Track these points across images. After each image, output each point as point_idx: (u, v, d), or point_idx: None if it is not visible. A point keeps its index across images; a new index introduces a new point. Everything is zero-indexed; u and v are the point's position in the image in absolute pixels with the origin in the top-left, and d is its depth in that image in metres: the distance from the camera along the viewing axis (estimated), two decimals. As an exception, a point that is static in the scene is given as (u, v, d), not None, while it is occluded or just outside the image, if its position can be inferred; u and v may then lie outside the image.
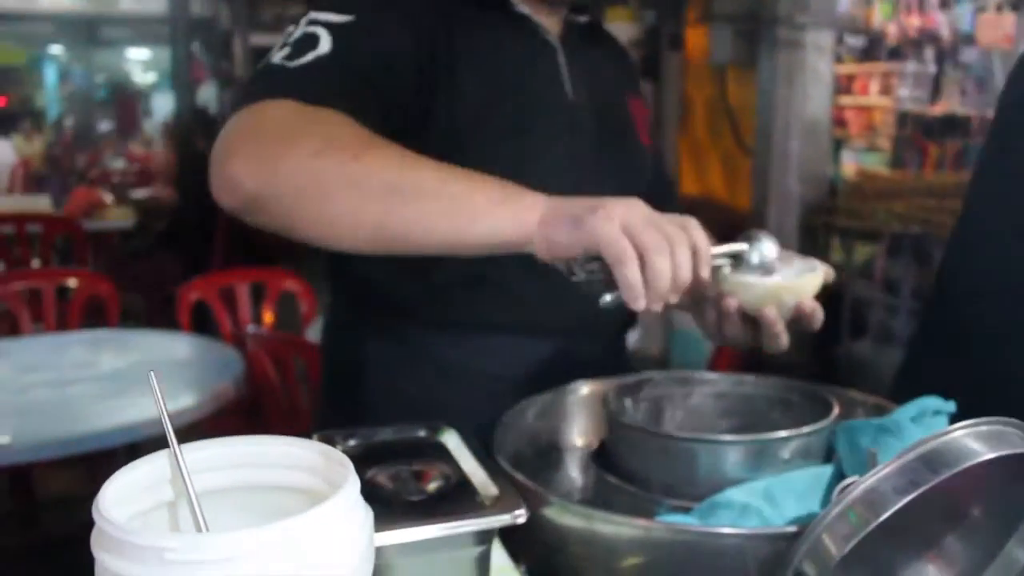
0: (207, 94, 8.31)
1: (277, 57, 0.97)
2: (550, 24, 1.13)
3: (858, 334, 4.33)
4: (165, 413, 0.49)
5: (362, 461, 0.71)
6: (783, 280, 0.91)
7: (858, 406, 0.99)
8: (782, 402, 0.97)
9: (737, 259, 0.91)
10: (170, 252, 5.26)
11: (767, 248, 0.90)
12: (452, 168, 0.87)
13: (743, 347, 0.99)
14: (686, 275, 0.80)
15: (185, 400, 2.25)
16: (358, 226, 0.86)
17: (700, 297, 0.96)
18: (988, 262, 1.11)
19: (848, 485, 0.70)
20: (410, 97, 0.99)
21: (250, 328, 2.66)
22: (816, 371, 4.29)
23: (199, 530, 0.49)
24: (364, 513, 0.47)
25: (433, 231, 0.85)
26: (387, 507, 0.62)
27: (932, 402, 0.86)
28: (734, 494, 0.77)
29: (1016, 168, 1.06)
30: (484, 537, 0.60)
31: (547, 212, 0.83)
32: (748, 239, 0.91)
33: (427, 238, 0.85)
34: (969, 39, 6.04)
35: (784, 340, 0.95)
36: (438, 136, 1.00)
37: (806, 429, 0.82)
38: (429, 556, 0.60)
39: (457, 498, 0.62)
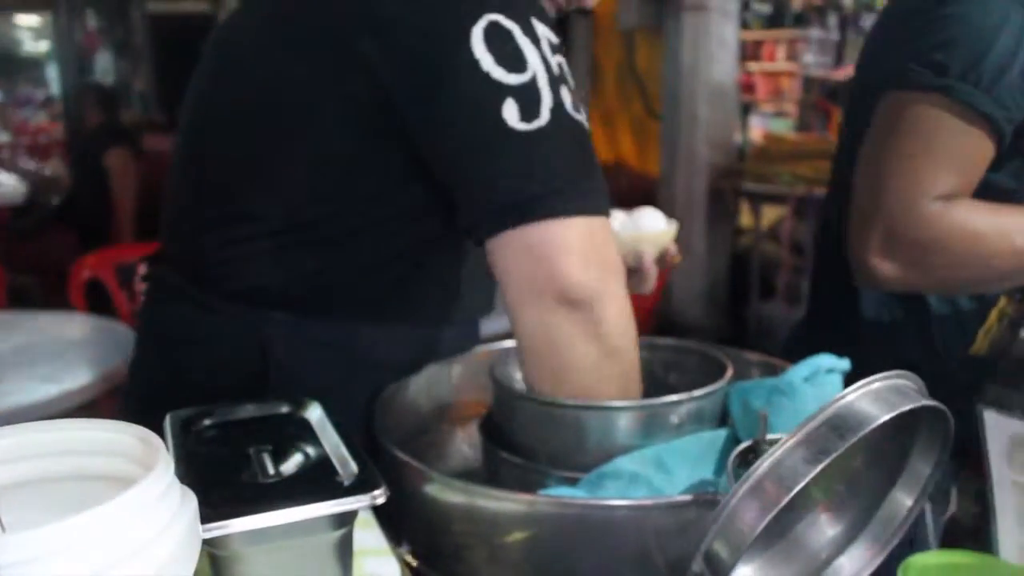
0: (103, 63, 7.94)
1: None
2: None
3: (767, 295, 4.39)
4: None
5: (218, 441, 0.65)
6: (642, 231, 1.08)
7: (754, 366, 0.96)
8: (678, 365, 0.94)
9: None
10: (65, 229, 5.01)
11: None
12: None
13: None
14: None
15: (72, 381, 2.13)
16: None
17: None
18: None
19: (742, 451, 0.67)
20: None
21: (142, 305, 2.53)
22: (726, 332, 4.35)
23: (-5, 531, 0.43)
24: (180, 499, 0.41)
25: None
26: (237, 491, 0.56)
27: (825, 360, 0.84)
28: (623, 463, 0.74)
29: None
30: (343, 520, 0.55)
31: None
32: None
33: None
34: (870, 7, 6.19)
35: (651, 284, 1.09)
36: None
37: (697, 392, 0.78)
38: (283, 543, 0.54)
39: (314, 479, 0.57)
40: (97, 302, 3.11)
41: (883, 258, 1.02)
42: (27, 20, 10.40)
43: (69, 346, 2.46)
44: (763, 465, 0.58)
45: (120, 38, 8.02)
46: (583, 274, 0.77)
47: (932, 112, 0.99)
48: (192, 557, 0.42)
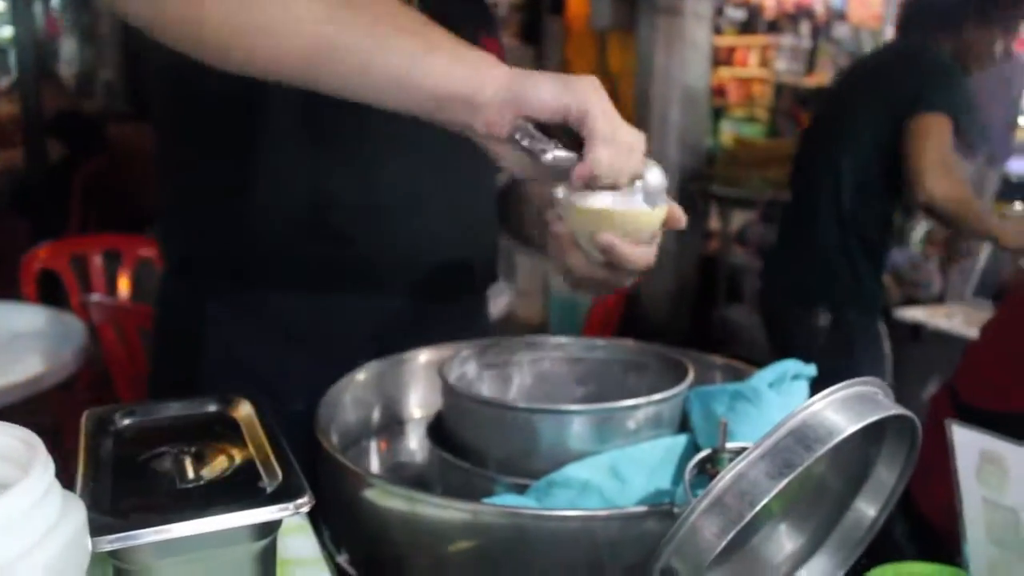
0: (67, 51, 7.79)
1: None
2: None
3: (733, 299, 4.38)
4: None
5: (137, 442, 0.60)
6: (616, 205, 0.70)
7: (717, 370, 0.93)
8: (637, 367, 0.90)
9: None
10: (21, 218, 4.89)
11: (653, 177, 0.71)
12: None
13: (593, 289, 0.81)
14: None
15: (18, 373, 2.06)
16: (295, 38, 0.68)
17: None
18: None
19: (701, 460, 0.63)
20: None
21: (93, 297, 2.47)
22: (692, 336, 4.33)
23: None
24: (60, 507, 0.36)
25: (385, 64, 0.69)
26: (150, 498, 0.52)
27: (791, 365, 0.80)
28: (574, 470, 0.69)
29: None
30: (265, 530, 0.50)
31: (518, 71, 0.70)
32: None
33: (372, 71, 0.69)
34: (841, 16, 6.24)
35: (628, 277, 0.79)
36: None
37: (655, 397, 0.74)
38: (197, 554, 0.49)
39: (236, 485, 0.52)
40: (53, 292, 3.02)
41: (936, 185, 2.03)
42: (-10, 5, 10.20)
43: (17, 337, 2.39)
44: (724, 479, 0.54)
45: (86, 25, 7.87)
46: None
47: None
48: (80, 573, 0.37)
